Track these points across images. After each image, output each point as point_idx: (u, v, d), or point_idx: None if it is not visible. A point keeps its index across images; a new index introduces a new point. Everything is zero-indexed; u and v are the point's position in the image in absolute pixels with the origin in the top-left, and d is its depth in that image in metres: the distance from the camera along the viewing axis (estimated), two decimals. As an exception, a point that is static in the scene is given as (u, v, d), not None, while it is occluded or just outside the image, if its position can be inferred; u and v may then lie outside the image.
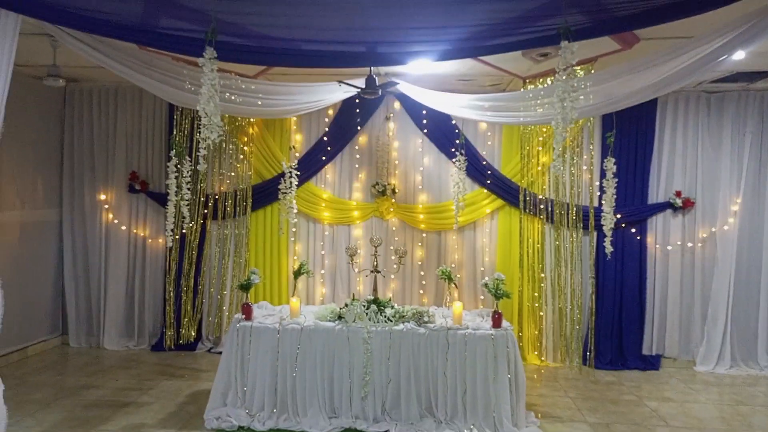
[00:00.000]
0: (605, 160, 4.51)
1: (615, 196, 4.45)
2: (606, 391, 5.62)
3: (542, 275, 6.47)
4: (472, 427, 4.39)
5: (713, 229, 6.42)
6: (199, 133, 3.24)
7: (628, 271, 6.44)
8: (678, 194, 6.38)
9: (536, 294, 6.47)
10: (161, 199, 6.61)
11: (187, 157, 4.80)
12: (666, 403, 5.30)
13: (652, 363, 6.43)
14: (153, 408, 4.87)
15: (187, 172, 4.68)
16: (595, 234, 6.42)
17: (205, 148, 3.21)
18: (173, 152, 4.51)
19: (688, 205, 6.39)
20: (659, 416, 4.97)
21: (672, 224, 6.48)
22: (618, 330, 6.46)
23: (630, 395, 5.52)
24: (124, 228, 6.79)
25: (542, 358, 6.48)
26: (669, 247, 6.47)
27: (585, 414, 4.98)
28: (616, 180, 4.49)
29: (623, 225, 6.35)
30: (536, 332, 6.51)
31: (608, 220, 4.41)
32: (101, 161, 6.77)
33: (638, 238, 6.41)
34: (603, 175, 5.29)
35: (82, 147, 6.78)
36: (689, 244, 6.47)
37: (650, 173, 6.44)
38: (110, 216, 6.78)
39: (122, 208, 6.80)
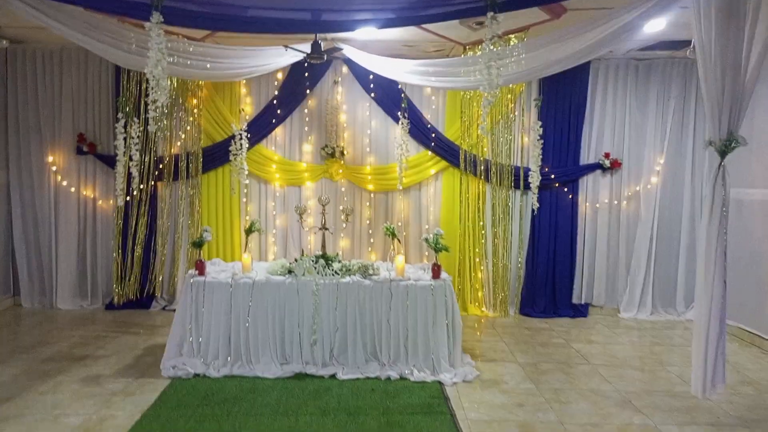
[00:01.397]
0: (533, 123, 4.87)
1: (541, 157, 4.82)
2: (537, 336, 6.13)
3: (483, 232, 6.88)
4: (413, 368, 4.79)
5: (638, 188, 6.95)
6: (148, 95, 3.39)
7: (560, 228, 6.92)
8: (607, 155, 6.86)
9: (477, 249, 6.90)
10: (110, 161, 6.66)
11: (135, 119, 4.90)
12: (590, 345, 5.84)
13: (581, 311, 6.99)
14: (110, 360, 5.07)
15: (136, 133, 4.79)
16: (529, 192, 6.84)
17: (155, 110, 3.37)
18: (121, 114, 4.61)
19: (615, 165, 6.88)
20: (582, 356, 5.50)
21: (601, 183, 6.97)
22: (551, 281, 6.97)
23: (559, 339, 6.05)
24: (73, 190, 6.82)
25: (482, 309, 6.95)
26: (597, 205, 6.98)
27: (516, 355, 5.46)
28: (542, 141, 4.85)
29: (556, 184, 6.81)
30: (477, 285, 6.96)
31: (534, 179, 4.80)
32: (48, 123, 6.74)
33: (570, 196, 6.88)
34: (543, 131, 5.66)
35: (27, 109, 6.72)
36: (615, 202, 6.99)
37: (582, 135, 6.87)
38: (59, 178, 6.79)
39: (71, 169, 6.81)
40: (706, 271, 3.67)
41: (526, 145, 6.84)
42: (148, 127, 3.46)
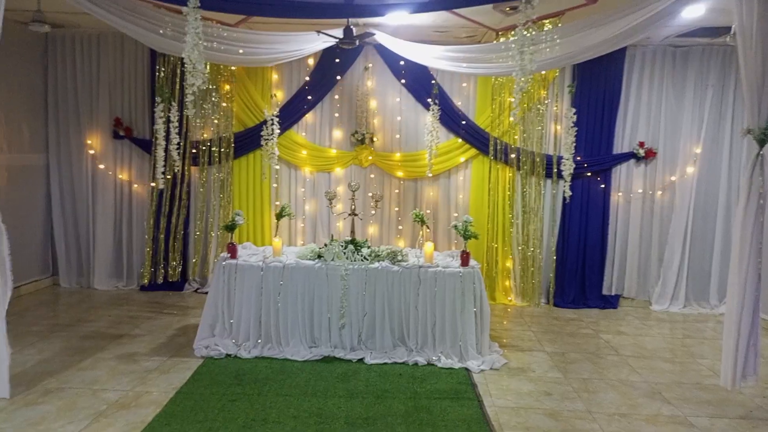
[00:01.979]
0: (566, 110, 4.80)
1: (575, 144, 4.76)
2: (566, 326, 6.10)
3: (512, 220, 6.84)
4: (440, 354, 4.82)
5: (673, 178, 6.82)
6: (185, 80, 3.46)
7: (591, 217, 6.83)
8: (641, 145, 6.73)
9: (506, 238, 6.86)
10: (145, 146, 6.81)
11: (173, 103, 4.98)
12: (619, 336, 5.79)
13: (611, 302, 6.92)
14: (145, 339, 5.22)
15: (175, 117, 4.88)
16: (560, 181, 6.76)
17: (192, 94, 3.44)
18: (159, 98, 4.70)
19: (650, 155, 6.75)
20: (611, 347, 5.45)
21: (634, 173, 6.85)
22: (581, 272, 6.90)
23: (587, 329, 6.00)
24: (110, 173, 7.00)
25: (509, 298, 6.93)
26: (631, 195, 6.87)
27: (544, 344, 5.44)
28: (576, 129, 4.79)
29: (588, 174, 6.72)
30: (505, 274, 6.93)
31: (567, 167, 4.74)
32: (85, 107, 6.91)
33: (602, 186, 6.78)
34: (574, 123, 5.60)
35: (66, 93, 6.90)
36: (650, 192, 6.86)
37: (616, 124, 6.75)
38: (96, 161, 6.97)
39: (107, 153, 6.98)
40: (740, 262, 3.60)
41: (557, 133, 6.75)
42: (185, 111, 3.52)
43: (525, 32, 3.23)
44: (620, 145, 6.82)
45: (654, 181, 6.86)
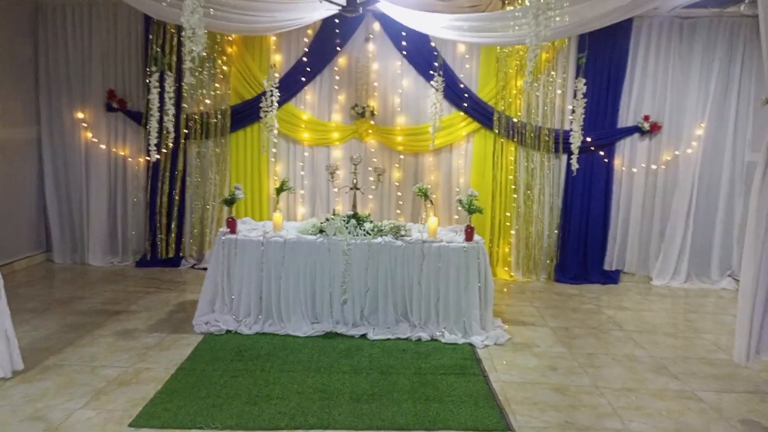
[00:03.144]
0: (576, 81, 4.69)
1: (584, 117, 4.65)
2: (568, 301, 6.05)
3: (514, 195, 6.75)
4: (444, 330, 4.76)
5: (677, 153, 6.73)
6: (184, 46, 3.31)
7: (594, 192, 6.74)
8: (646, 118, 6.62)
9: (508, 213, 6.78)
10: (139, 118, 6.65)
11: (169, 72, 4.81)
12: (622, 311, 5.75)
13: (612, 277, 6.87)
14: (143, 316, 5.13)
15: (171, 87, 4.72)
16: (564, 156, 6.67)
17: (191, 61, 3.30)
18: (155, 67, 4.54)
19: (655, 129, 6.65)
20: (615, 322, 5.41)
21: (638, 147, 6.75)
22: (583, 247, 6.83)
23: (590, 304, 5.96)
24: (103, 147, 6.83)
25: (512, 274, 6.88)
26: (634, 170, 6.78)
27: (547, 320, 5.40)
28: (586, 101, 4.68)
29: (592, 148, 6.61)
30: (507, 249, 6.87)
31: (576, 139, 4.64)
32: (77, 79, 6.72)
33: (606, 160, 6.69)
34: (574, 96, 5.46)
35: (58, 65, 6.70)
36: (653, 167, 6.78)
37: (621, 97, 6.63)
38: (89, 134, 6.80)
39: (101, 126, 6.81)
40: (755, 235, 3.52)
41: (561, 106, 6.64)
42: (184, 80, 3.38)
43: (539, -4, 3.10)
44: (625, 119, 6.71)
45: (658, 156, 6.77)
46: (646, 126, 6.62)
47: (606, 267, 6.91)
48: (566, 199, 6.76)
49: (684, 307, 6.01)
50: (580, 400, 3.74)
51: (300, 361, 4.20)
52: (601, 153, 6.67)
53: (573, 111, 5.24)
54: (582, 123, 4.72)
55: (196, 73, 6.23)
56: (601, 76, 6.53)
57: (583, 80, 4.60)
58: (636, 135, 6.73)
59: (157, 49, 5.10)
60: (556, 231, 6.81)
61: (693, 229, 6.81)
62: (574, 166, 4.88)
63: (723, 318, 5.67)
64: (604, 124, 6.63)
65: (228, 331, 4.71)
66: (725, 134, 6.68)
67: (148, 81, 4.73)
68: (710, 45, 6.55)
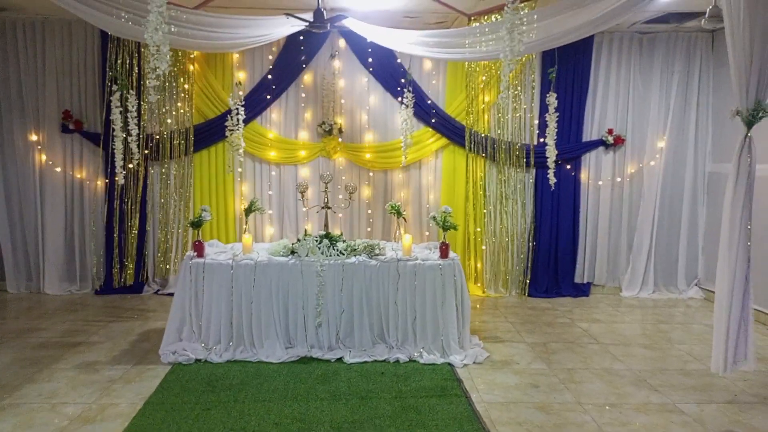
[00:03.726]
0: (547, 95, 4.71)
1: (557, 130, 4.67)
2: (542, 316, 6.03)
3: (484, 211, 6.74)
4: (422, 350, 4.65)
5: (641, 165, 6.85)
6: (150, 63, 3.16)
7: (563, 206, 6.80)
8: (610, 132, 6.73)
9: (479, 229, 6.76)
10: (97, 139, 6.40)
11: (130, 91, 4.62)
12: (595, 324, 5.76)
13: (583, 290, 6.91)
14: (105, 347, 4.86)
15: (133, 107, 4.52)
16: (534, 170, 6.71)
17: (156, 78, 3.14)
18: (116, 85, 4.34)
19: (618, 142, 6.76)
20: (590, 335, 5.41)
21: (603, 160, 6.85)
22: (554, 261, 6.86)
23: (564, 318, 5.96)
24: (59, 170, 6.53)
25: (484, 290, 6.83)
26: (600, 182, 6.86)
27: (524, 335, 5.35)
28: (558, 114, 4.69)
29: (559, 162, 6.60)
30: (479, 265, 6.83)
31: (552, 153, 4.64)
32: (31, 99, 6.42)
33: (573, 174, 6.75)
34: (544, 110, 5.51)
35: (8, 84, 6.40)
36: (618, 179, 6.88)
37: (585, 112, 6.73)
38: (44, 157, 6.49)
39: (56, 148, 6.52)
40: (729, 245, 3.55)
41: (527, 121, 6.69)
42: (149, 97, 3.22)
43: (514, 11, 3.07)
44: (590, 133, 6.81)
45: (623, 168, 6.88)
46: (610, 139, 6.72)
47: (577, 280, 6.95)
48: (536, 214, 6.78)
49: (654, 318, 6.07)
50: (564, 418, 3.68)
51: (275, 389, 4.02)
52: (568, 167, 6.74)
53: (541, 125, 5.26)
54: (556, 137, 4.73)
55: (159, 92, 6.02)
56: (566, 91, 6.62)
57: (555, 94, 4.62)
58: (601, 148, 6.83)
59: (117, 69, 4.86)
60: (527, 245, 6.82)
61: (658, 239, 6.92)
62: (552, 179, 4.89)
63: (693, 327, 5.74)
64: (569, 138, 6.71)
65: (197, 360, 4.49)
66: (686, 146, 6.84)
67: (109, 101, 4.52)
68: (669, 59, 6.73)
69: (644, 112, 6.78)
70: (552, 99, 4.66)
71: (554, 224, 6.81)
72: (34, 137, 6.44)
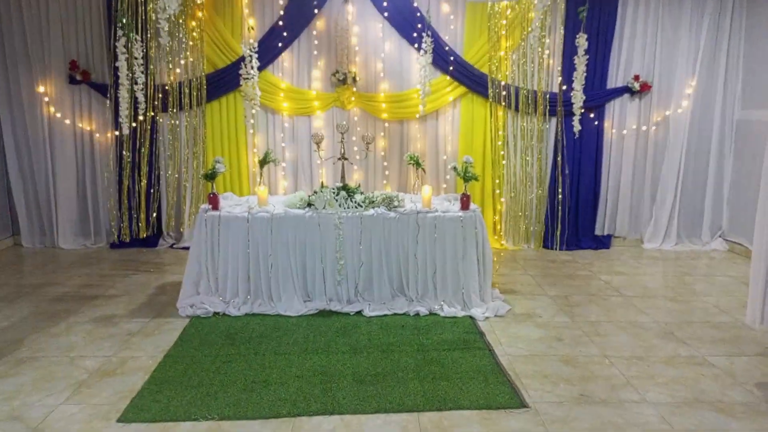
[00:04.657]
0: (577, 36, 4.47)
1: (585, 77, 4.44)
2: (563, 268, 5.92)
3: (503, 162, 6.55)
4: (442, 303, 4.57)
5: (667, 113, 6.58)
6: (158, 4, 2.97)
7: (585, 157, 6.59)
8: (636, 78, 6.45)
9: (497, 180, 6.59)
10: (105, 90, 6.23)
11: (136, 37, 4.40)
12: (618, 276, 5.64)
13: (603, 242, 6.77)
14: (122, 300, 4.83)
15: (139, 53, 4.33)
16: (554, 119, 6.47)
17: (166, 20, 2.96)
18: (120, 29, 4.13)
19: (645, 89, 6.48)
20: (612, 287, 5.30)
21: (628, 108, 6.59)
22: (574, 213, 6.70)
23: (585, 271, 5.84)
24: (68, 122, 6.39)
25: (502, 242, 6.71)
26: (624, 132, 6.62)
27: (545, 288, 5.26)
28: (587, 57, 4.45)
29: (583, 110, 6.39)
30: (497, 217, 6.69)
31: (578, 99, 4.43)
32: (36, 51, 6.22)
33: (596, 123, 6.51)
34: (568, 55, 5.25)
35: (13, 35, 6.18)
36: (643, 128, 6.63)
37: (611, 56, 6.43)
38: (52, 110, 6.34)
39: (64, 100, 6.35)
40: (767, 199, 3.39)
41: (549, 66, 6.41)
42: (160, 39, 3.04)
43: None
44: (615, 79, 6.53)
45: (648, 116, 6.62)
46: (636, 86, 6.45)
47: (597, 232, 6.80)
48: (556, 164, 6.58)
49: (678, 270, 5.94)
50: (591, 371, 3.60)
51: (295, 341, 3.97)
52: (591, 115, 6.49)
53: (564, 71, 5.00)
54: (584, 83, 4.50)
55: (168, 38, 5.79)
56: (590, 34, 6.26)
57: (585, 35, 4.37)
58: (626, 96, 6.57)
59: (123, 11, 4.61)
60: (546, 197, 6.65)
61: (683, 190, 6.72)
62: (576, 127, 4.68)
63: (718, 279, 5.61)
64: (593, 85, 6.43)
65: (215, 314, 4.45)
66: (714, 92, 6.56)
67: (114, 47, 4.32)
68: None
69: (672, 57, 6.47)
70: (582, 40, 4.41)
71: (575, 175, 6.61)
72: (41, 89, 6.27)
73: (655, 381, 3.47)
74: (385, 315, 4.48)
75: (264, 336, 4.06)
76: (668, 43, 6.45)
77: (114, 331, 4.17)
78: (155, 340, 4.00)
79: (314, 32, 6.39)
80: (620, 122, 6.62)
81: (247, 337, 4.05)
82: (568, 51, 6.16)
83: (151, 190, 6.38)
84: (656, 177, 6.72)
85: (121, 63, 4.26)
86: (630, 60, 6.49)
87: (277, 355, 3.76)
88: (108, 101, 6.22)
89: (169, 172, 6.44)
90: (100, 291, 5.06)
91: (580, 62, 4.47)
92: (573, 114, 5.24)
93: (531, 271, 5.83)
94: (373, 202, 4.67)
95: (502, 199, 6.64)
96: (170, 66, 6.16)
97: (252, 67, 4.76)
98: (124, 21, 4.30)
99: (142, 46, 4.46)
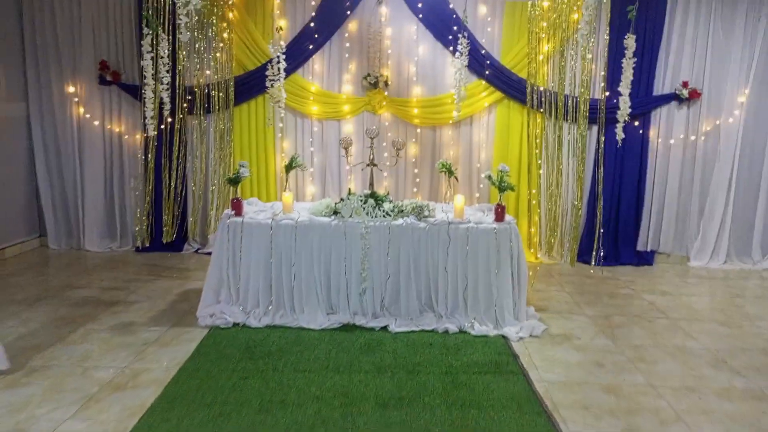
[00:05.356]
0: (626, 37, 4.16)
1: (633, 82, 4.12)
2: (602, 286, 5.59)
3: (540, 171, 6.24)
4: (473, 320, 4.31)
5: (717, 122, 6.19)
6: (175, 3, 2.80)
7: (627, 167, 6.24)
8: (685, 84, 6.08)
9: (534, 190, 6.28)
10: (135, 92, 6.15)
11: (163, 35, 4.26)
12: (662, 297, 5.28)
13: (646, 259, 6.40)
14: (143, 306, 4.69)
15: (165, 52, 4.19)
16: (597, 127, 6.13)
17: (186, 15, 2.79)
18: (146, 26, 3.99)
19: (694, 96, 6.10)
20: (657, 308, 4.95)
21: (676, 116, 6.22)
22: (614, 226, 6.36)
23: (626, 289, 5.50)
24: (97, 123, 6.34)
25: (537, 255, 6.40)
26: (671, 141, 6.25)
27: (583, 307, 4.94)
28: (635, 60, 4.15)
29: (627, 118, 6.04)
30: (533, 229, 6.38)
31: (624, 105, 4.12)
32: (67, 50, 6.19)
33: (641, 131, 6.16)
34: (613, 59, 4.95)
35: (45, 35, 6.17)
36: (692, 138, 6.25)
37: (657, 61, 6.08)
38: (81, 110, 6.30)
39: (94, 101, 6.31)
40: None
41: (592, 71, 6.07)
42: (181, 36, 2.87)
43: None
44: (661, 86, 6.17)
45: (697, 126, 6.23)
46: (685, 93, 6.07)
47: (639, 247, 6.43)
48: (597, 175, 6.22)
49: (728, 291, 5.54)
50: (637, 402, 3.29)
51: (316, 358, 3.76)
52: (636, 123, 6.14)
53: (608, 76, 4.68)
54: (630, 87, 4.19)
55: (194, 42, 5.67)
56: (636, 37, 5.92)
57: (634, 36, 4.06)
58: (673, 103, 6.20)
59: (148, 8, 4.46)
60: (585, 209, 6.30)
61: (733, 205, 6.31)
62: (619, 135, 4.37)
63: (774, 302, 5.20)
64: (638, 92, 6.09)
65: (235, 324, 4.26)
66: (770, 101, 6.13)
67: (140, 45, 4.19)
68: (756, 1, 5.96)
69: (724, 63, 6.08)
70: (631, 41, 4.10)
71: (617, 186, 6.27)
72: (71, 89, 6.24)
73: (710, 417, 3.14)
74: (412, 331, 4.23)
75: (284, 350, 3.86)
76: (720, 48, 6.06)
77: (130, 340, 4.02)
78: (171, 351, 3.83)
79: (346, 34, 6.21)
80: (667, 131, 6.25)
81: (267, 351, 3.85)
82: (613, 54, 5.82)
83: (178, 194, 6.26)
84: (705, 190, 6.32)
85: (147, 62, 4.12)
86: (678, 65, 6.13)
87: (296, 372, 3.55)
88: (139, 103, 6.13)
89: (197, 176, 6.33)
90: (121, 296, 4.94)
91: (628, 65, 4.16)
92: (616, 121, 4.91)
93: (568, 287, 5.51)
94: (402, 211, 4.43)
95: (539, 210, 6.33)
96: (198, 67, 6.04)
97: (279, 69, 4.57)
98: (150, 17, 4.14)
99: (168, 45, 4.30)
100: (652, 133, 6.23)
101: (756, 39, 6.02)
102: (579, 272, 6.04)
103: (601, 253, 6.24)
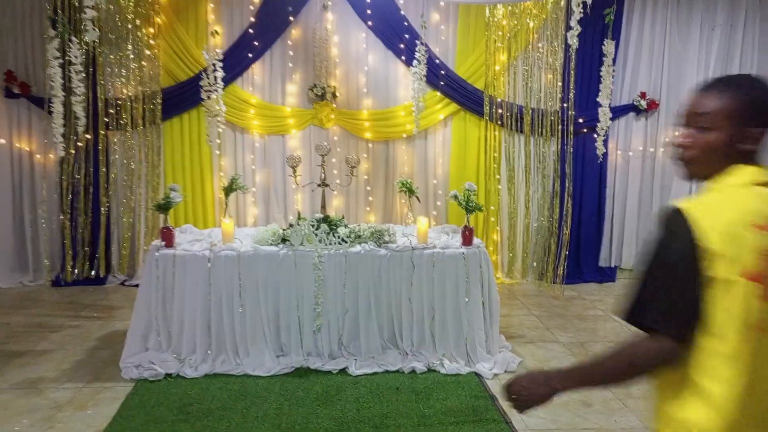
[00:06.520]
0: (605, 42, 3.86)
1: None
2: (569, 307, 5.27)
3: (499, 187, 5.90)
4: (442, 357, 3.85)
5: (676, 133, 6.03)
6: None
7: (587, 180, 6.00)
8: (642, 95, 5.90)
9: (493, 207, 5.93)
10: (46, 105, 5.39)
11: (75, 38, 3.63)
12: (634, 317, 4.99)
13: (609, 275, 6.16)
14: (55, 357, 3.97)
15: (78, 58, 3.56)
16: (553, 140, 5.86)
17: (93, 8, 2.22)
18: (53, 28, 3.37)
19: (652, 107, 5.94)
20: (630, 331, 4.61)
21: (634, 128, 6.04)
22: (576, 242, 6.08)
23: (595, 310, 5.19)
24: (3, 141, 5.54)
25: (497, 275, 6.03)
26: (630, 153, 6.06)
27: (555, 333, 4.58)
28: (614, 68, 3.85)
29: (584, 130, 5.84)
30: (491, 248, 6.02)
31: (604, 116, 3.81)
32: (-35, 58, 5.39)
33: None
34: (577, 66, 4.64)
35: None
36: (651, 149, 6.08)
37: (615, 72, 5.86)
38: (-16, 127, 5.49)
39: (-1, 116, 5.52)
40: None
41: (549, 82, 5.82)
42: (86, 35, 2.30)
43: None
44: (619, 97, 5.96)
45: (656, 137, 6.07)
46: (643, 104, 5.90)
47: (602, 263, 6.18)
48: (556, 189, 5.95)
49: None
50: (636, 451, 2.91)
51: (265, 416, 3.19)
52: (594, 135, 5.88)
53: (566, 87, 4.40)
54: (609, 98, 3.89)
55: (114, 52, 5.01)
56: (592, 49, 5.72)
57: (613, 42, 3.77)
58: (631, 114, 6.01)
59: (58, 12, 3.81)
60: (546, 225, 6.00)
61: (694, 217, 6.15)
62: (600, 149, 4.08)
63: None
64: (596, 103, 5.84)
65: (167, 376, 3.63)
66: (726, 111, 6.02)
67: (47, 49, 3.54)
68: (710, 11, 5.88)
69: (681, 73, 5.95)
70: (610, 47, 3.80)
71: (577, 201, 6.00)
72: (-29, 103, 5.43)
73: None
74: (375, 373, 3.74)
75: (226, 408, 3.27)
76: (677, 59, 5.92)
77: (38, 402, 3.33)
78: (87, 416, 3.18)
79: (289, 42, 5.70)
80: (625, 143, 6.06)
81: (205, 409, 3.25)
82: (576, 62, 5.54)
83: (98, 222, 5.52)
84: (665, 202, 6.14)
85: (54, 69, 3.48)
86: (635, 76, 5.95)
87: (242, 435, 2.98)
88: (51, 118, 5.38)
89: (122, 200, 5.62)
90: (30, 344, 4.20)
91: (607, 74, 3.87)
92: (576, 133, 4.64)
93: (534, 310, 5.15)
94: (359, 236, 3.94)
95: (498, 228, 5.98)
96: (122, 77, 5.36)
97: (216, 78, 4.01)
98: (58, 18, 3.51)
99: (82, 51, 3.67)
100: (611, 145, 6.01)
101: (711, 48, 5.94)
102: (543, 292, 5.71)
103: (566, 269, 5.97)
